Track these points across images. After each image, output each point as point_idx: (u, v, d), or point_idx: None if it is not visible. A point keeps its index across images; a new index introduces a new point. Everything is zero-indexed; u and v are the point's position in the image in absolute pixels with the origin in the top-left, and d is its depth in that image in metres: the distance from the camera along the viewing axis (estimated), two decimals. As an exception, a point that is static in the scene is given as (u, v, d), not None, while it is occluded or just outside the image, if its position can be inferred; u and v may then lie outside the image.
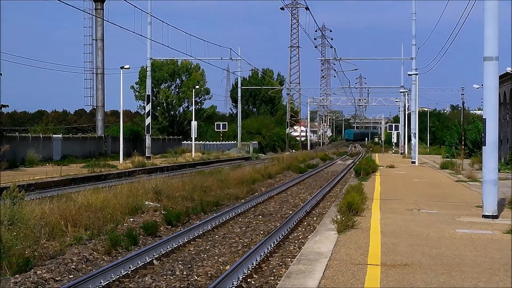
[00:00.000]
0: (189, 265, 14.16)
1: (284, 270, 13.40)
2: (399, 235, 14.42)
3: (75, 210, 17.29)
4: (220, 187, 29.49)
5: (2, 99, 74.51)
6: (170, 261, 14.65)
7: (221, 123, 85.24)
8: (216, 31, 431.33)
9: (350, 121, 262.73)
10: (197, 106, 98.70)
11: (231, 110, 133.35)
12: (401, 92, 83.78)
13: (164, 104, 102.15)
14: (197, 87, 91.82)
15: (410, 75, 57.28)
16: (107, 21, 59.44)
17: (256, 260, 14.35)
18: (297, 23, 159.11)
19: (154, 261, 14.37)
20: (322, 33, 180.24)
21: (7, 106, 45.41)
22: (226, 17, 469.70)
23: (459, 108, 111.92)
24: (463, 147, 57.18)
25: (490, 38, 17.19)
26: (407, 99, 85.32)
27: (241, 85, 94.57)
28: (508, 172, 37.43)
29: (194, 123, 68.76)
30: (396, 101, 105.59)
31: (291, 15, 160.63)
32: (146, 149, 59.00)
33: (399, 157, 72.02)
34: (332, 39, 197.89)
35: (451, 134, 70.87)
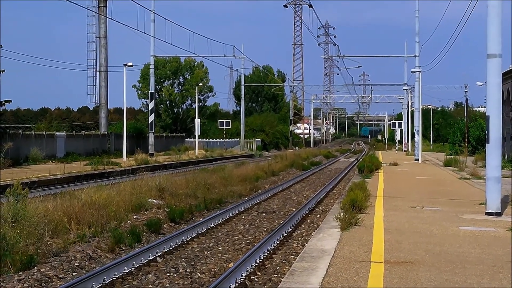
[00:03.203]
0: (193, 263, 14.17)
1: (287, 267, 13.41)
2: (403, 233, 14.41)
3: (79, 208, 17.31)
4: (224, 185, 29.48)
5: (5, 96, 74.68)
6: (174, 258, 14.66)
7: (224, 120, 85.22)
8: (219, 28, 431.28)
9: (353, 119, 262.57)
10: (200, 104, 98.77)
11: (234, 107, 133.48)
12: (405, 89, 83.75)
13: (167, 102, 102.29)
14: (200, 84, 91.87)
15: (414, 72, 57.21)
16: (111, 18, 59.52)
17: (260, 257, 14.36)
18: (300, 21, 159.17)
19: (158, 259, 14.38)
20: (325, 30, 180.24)
21: (10, 101, 45.36)
22: (229, 14, 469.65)
23: (463, 105, 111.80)
24: (466, 144, 57.13)
25: (493, 35, 17.16)
26: (411, 96, 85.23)
27: (244, 83, 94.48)
28: (511, 170, 37.37)
29: (197, 121, 68.80)
30: (400, 99, 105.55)
31: (294, 13, 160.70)
32: (150, 147, 59.01)
33: (403, 155, 71.95)
34: (335, 36, 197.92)
35: (454, 132, 70.81)
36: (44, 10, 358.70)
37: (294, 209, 23.51)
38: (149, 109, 60.42)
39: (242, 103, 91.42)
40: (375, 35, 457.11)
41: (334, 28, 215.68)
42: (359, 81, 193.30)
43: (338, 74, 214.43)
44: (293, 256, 14.81)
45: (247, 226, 19.89)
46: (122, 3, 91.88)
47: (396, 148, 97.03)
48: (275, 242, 16.36)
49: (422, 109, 61.42)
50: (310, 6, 73.38)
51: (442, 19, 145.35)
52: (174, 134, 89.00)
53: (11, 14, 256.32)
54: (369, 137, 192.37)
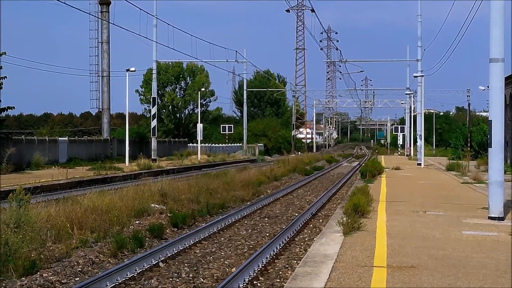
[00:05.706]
0: (195, 268, 14.16)
1: (290, 272, 13.40)
2: (405, 237, 14.39)
3: (81, 213, 17.31)
4: (226, 190, 29.47)
5: (8, 102, 74.75)
6: (176, 263, 14.65)
7: (226, 125, 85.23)
8: (220, 28, 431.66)
9: (356, 123, 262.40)
10: (203, 109, 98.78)
11: (234, 112, 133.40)
12: (407, 94, 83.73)
13: (170, 107, 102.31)
14: (203, 89, 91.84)
15: (416, 77, 57.25)
16: (113, 23, 59.28)
17: (262, 262, 14.34)
18: (302, 25, 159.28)
19: (160, 264, 14.38)
20: (327, 35, 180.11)
21: (13, 108, 45.52)
22: (230, 14, 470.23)
23: (465, 109, 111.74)
24: (469, 149, 57.09)
25: (496, 40, 17.15)
26: (413, 100, 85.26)
27: (246, 88, 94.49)
28: (514, 174, 37.32)
29: (199, 126, 68.83)
30: (402, 103, 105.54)
31: (297, 17, 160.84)
32: (152, 152, 59.00)
33: (405, 159, 71.92)
34: (337, 41, 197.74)
35: (456, 136, 70.79)
36: (46, 14, 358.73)
37: (296, 214, 23.50)
38: (152, 114, 60.44)
39: (245, 108, 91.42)
40: (377, 38, 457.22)
41: (336, 33, 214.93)
42: (361, 85, 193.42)
43: (340, 78, 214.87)
44: (295, 261, 14.79)
45: (250, 231, 19.87)
46: (125, 7, 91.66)
47: (399, 153, 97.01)
48: (278, 247, 16.35)
49: (424, 113, 61.39)
50: (313, 11, 73.51)
51: (445, 22, 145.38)
52: (176, 139, 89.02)
53: (11, 16, 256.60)
54: (372, 142, 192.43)
